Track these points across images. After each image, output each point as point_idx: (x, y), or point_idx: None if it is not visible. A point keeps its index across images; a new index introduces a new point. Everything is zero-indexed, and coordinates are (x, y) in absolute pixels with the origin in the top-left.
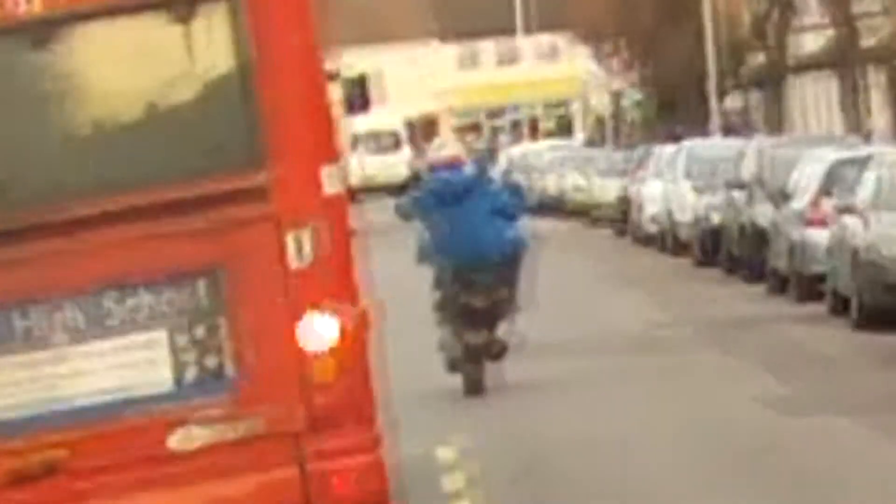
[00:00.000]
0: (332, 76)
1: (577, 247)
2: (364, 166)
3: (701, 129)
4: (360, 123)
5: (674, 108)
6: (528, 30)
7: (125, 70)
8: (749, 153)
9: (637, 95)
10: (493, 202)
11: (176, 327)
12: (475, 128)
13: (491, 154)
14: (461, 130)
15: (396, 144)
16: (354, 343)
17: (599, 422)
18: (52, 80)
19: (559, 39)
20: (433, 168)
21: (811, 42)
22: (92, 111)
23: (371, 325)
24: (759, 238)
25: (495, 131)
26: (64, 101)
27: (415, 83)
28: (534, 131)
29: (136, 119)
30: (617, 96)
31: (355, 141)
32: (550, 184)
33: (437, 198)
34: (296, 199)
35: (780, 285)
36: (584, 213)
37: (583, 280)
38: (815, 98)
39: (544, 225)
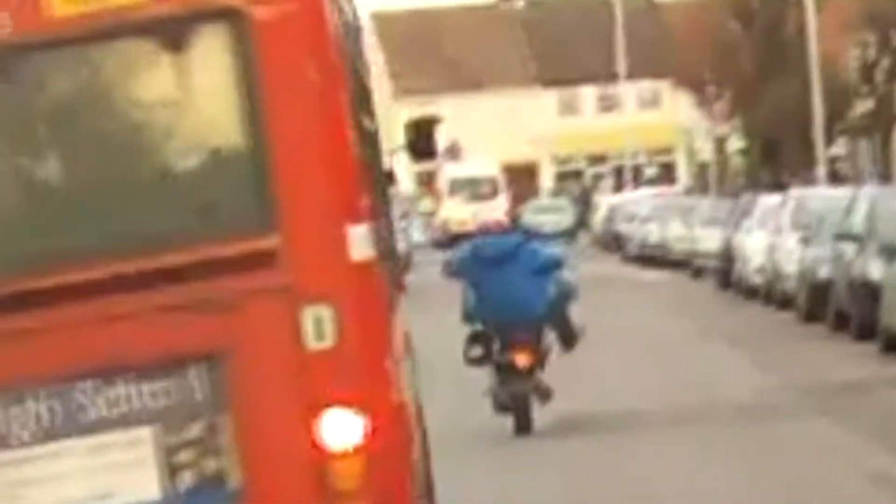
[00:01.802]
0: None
1: (675, 299)
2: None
3: (805, 176)
4: (457, 170)
5: (777, 156)
6: (630, 77)
7: (100, 108)
8: (859, 203)
9: (740, 142)
10: (534, 262)
11: (166, 424)
12: (576, 174)
13: (584, 199)
14: (562, 177)
15: (494, 192)
16: (386, 444)
17: (693, 499)
18: (8, 122)
19: (661, 85)
20: (480, 231)
21: None
22: (60, 160)
23: (408, 422)
24: (870, 294)
25: (597, 179)
26: (25, 147)
27: (514, 129)
28: (636, 179)
29: (114, 170)
30: (720, 143)
31: (453, 187)
32: (652, 233)
33: (480, 260)
34: (314, 267)
35: (894, 345)
36: (686, 263)
37: (681, 337)
38: None
39: (645, 276)
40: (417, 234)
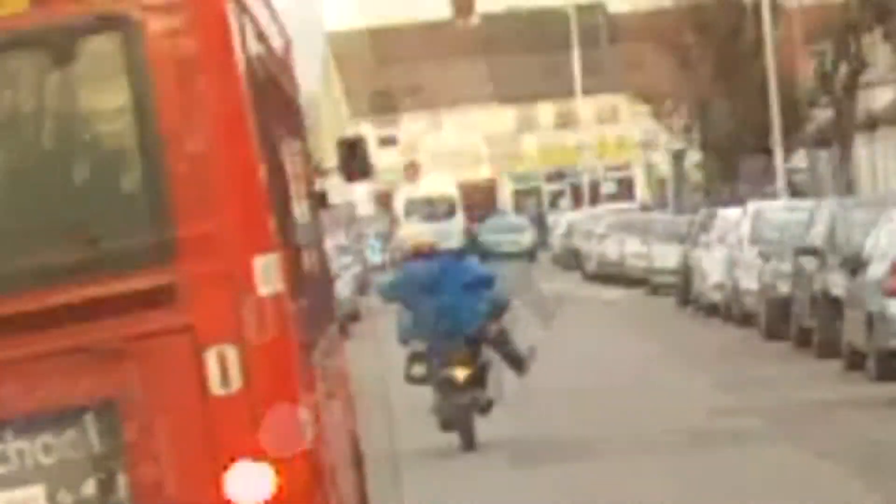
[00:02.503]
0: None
1: (634, 317)
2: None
3: (765, 189)
4: (413, 190)
5: (735, 169)
6: (587, 92)
7: None
8: (820, 216)
9: (698, 156)
10: (464, 279)
11: (57, 482)
12: (535, 192)
13: (540, 217)
14: (520, 194)
15: (451, 211)
16: (298, 497)
17: None
18: None
19: (618, 100)
20: (411, 255)
21: (881, 97)
22: None
23: (323, 470)
24: (832, 309)
25: (556, 196)
26: None
27: (472, 148)
28: (594, 195)
29: None
30: (678, 157)
31: (409, 208)
32: (610, 250)
33: (413, 284)
34: (217, 304)
35: (857, 362)
36: (644, 280)
37: (639, 358)
38: (885, 156)
39: (604, 294)
40: (375, 256)
